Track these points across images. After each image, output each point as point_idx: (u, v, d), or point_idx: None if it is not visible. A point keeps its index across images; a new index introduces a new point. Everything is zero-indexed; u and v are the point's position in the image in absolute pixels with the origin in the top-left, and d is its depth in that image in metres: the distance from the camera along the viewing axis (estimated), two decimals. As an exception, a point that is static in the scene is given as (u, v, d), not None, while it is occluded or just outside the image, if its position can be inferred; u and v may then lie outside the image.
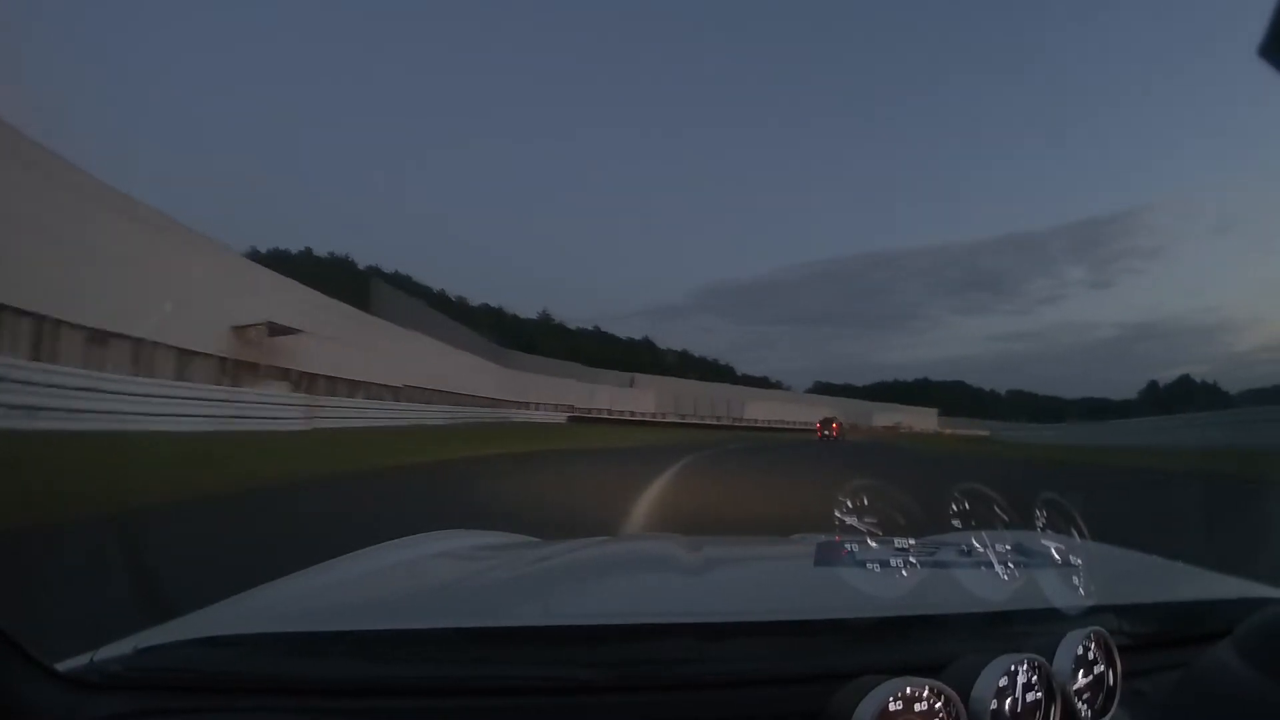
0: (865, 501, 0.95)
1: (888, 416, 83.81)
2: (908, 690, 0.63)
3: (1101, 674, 0.75)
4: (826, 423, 53.31)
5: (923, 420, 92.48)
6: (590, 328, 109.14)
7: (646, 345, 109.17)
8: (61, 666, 0.68)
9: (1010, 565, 0.88)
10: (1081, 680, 0.73)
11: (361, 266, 77.60)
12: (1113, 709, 0.74)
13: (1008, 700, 0.67)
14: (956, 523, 0.99)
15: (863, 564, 0.89)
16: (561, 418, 48.72)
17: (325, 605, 0.93)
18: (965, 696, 0.65)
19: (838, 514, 0.95)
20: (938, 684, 0.64)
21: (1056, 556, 0.92)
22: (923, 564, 0.89)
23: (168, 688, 0.69)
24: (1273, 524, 5.86)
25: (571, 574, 1.12)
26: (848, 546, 0.93)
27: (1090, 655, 0.74)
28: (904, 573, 0.87)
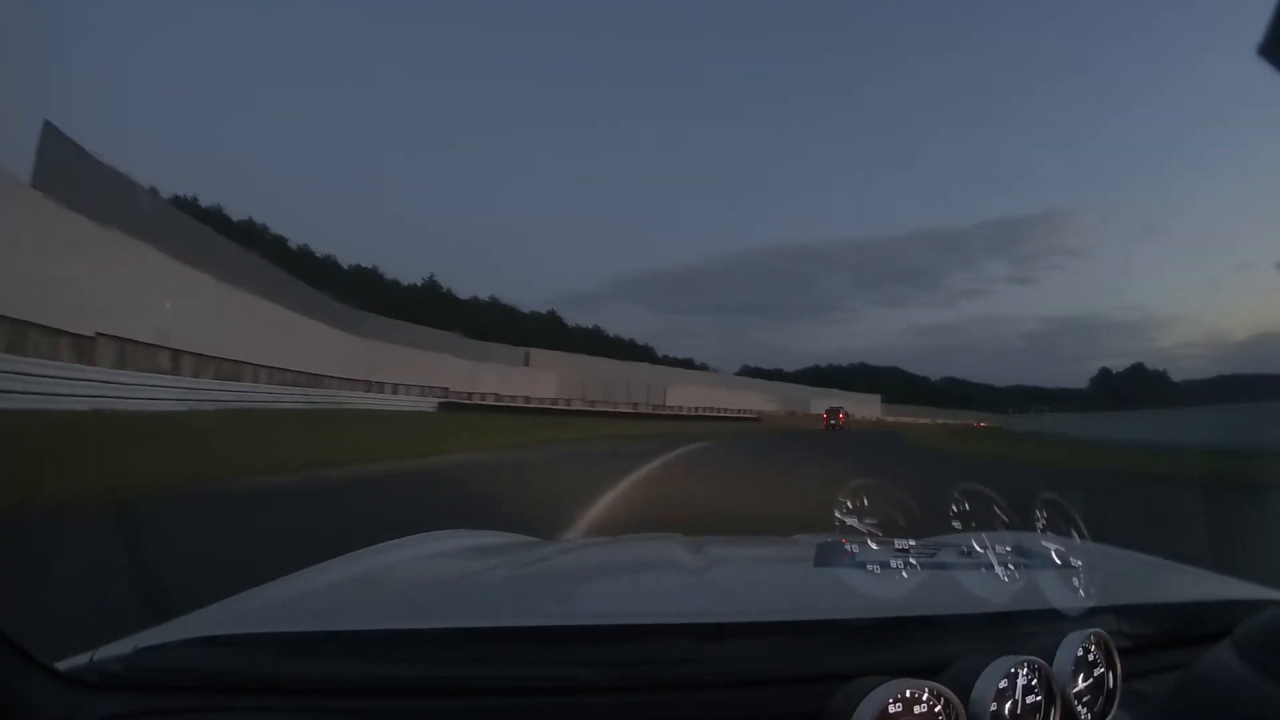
0: (865, 502, 0.95)
1: (827, 404, 72.06)
2: (907, 692, 0.63)
3: (1101, 675, 0.75)
4: (834, 412, 54.84)
5: (866, 407, 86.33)
6: (486, 298, 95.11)
7: (553, 320, 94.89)
8: (61, 666, 0.68)
9: (1010, 566, 0.88)
10: (1081, 682, 0.73)
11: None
12: (1113, 710, 0.74)
13: (1008, 702, 0.67)
14: (956, 524, 0.99)
15: (863, 565, 0.89)
16: (430, 403, 36.41)
17: (325, 605, 0.93)
18: (965, 698, 0.65)
19: (838, 514, 0.95)
20: (937, 685, 0.64)
21: (1056, 558, 0.92)
22: (923, 565, 0.89)
23: (167, 687, 0.69)
24: None
25: (571, 574, 1.12)
26: (848, 547, 0.93)
27: (1090, 657, 0.74)
28: (904, 574, 0.87)
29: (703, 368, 77.41)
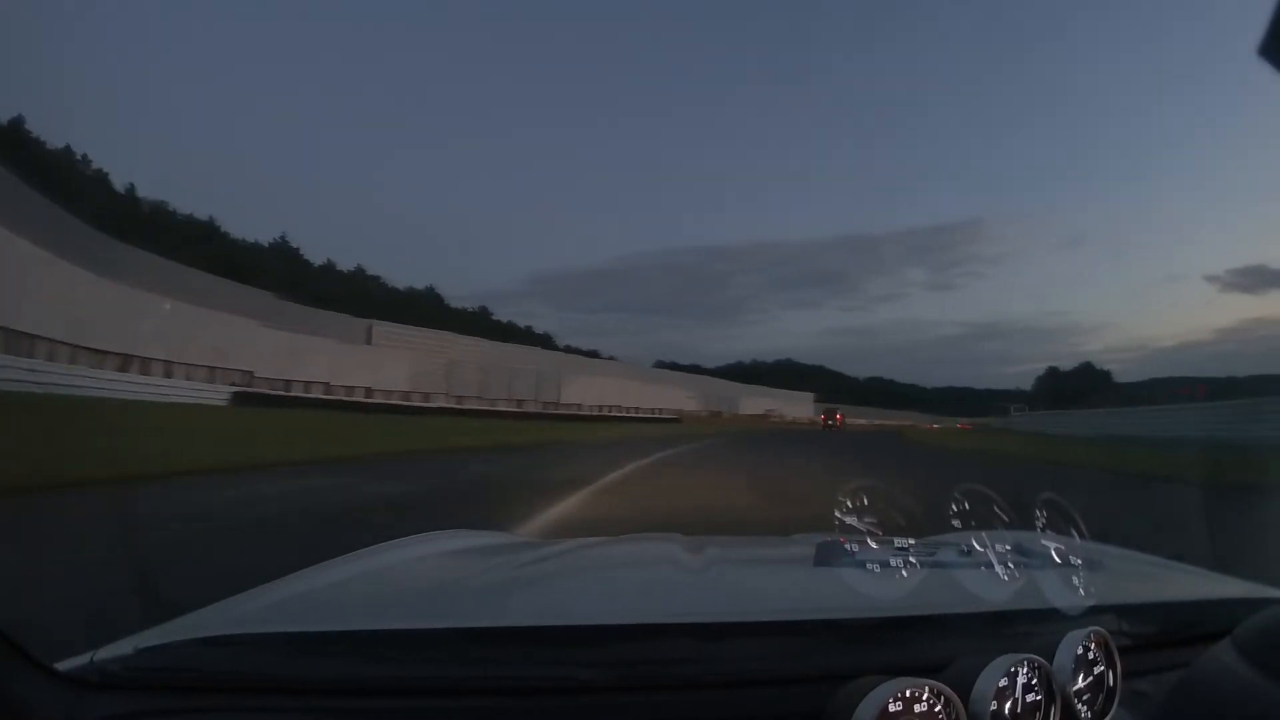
0: (865, 502, 0.95)
1: (756, 402, 67.30)
2: (908, 691, 0.63)
3: (1102, 674, 0.75)
4: (830, 413, 53.97)
5: (797, 406, 78.52)
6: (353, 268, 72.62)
7: (430, 296, 73.15)
8: (61, 666, 0.68)
9: (1010, 566, 0.88)
10: (1082, 681, 0.73)
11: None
12: (1113, 709, 0.74)
13: (1008, 701, 0.67)
14: (956, 523, 0.99)
15: (863, 564, 0.89)
16: (220, 394, 25.16)
17: (325, 605, 0.93)
18: (965, 697, 0.65)
19: (838, 514, 0.95)
20: (938, 684, 0.64)
21: (1056, 557, 0.92)
22: (923, 564, 0.89)
23: (167, 688, 0.69)
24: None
25: (571, 574, 1.12)
26: (848, 547, 0.93)
27: (1090, 655, 0.74)
28: (904, 573, 0.87)
29: (611, 360, 60.44)
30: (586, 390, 48.48)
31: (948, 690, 0.64)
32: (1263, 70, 0.62)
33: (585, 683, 0.71)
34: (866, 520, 0.93)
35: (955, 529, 1.01)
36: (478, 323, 66.47)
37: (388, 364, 37.45)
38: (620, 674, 0.73)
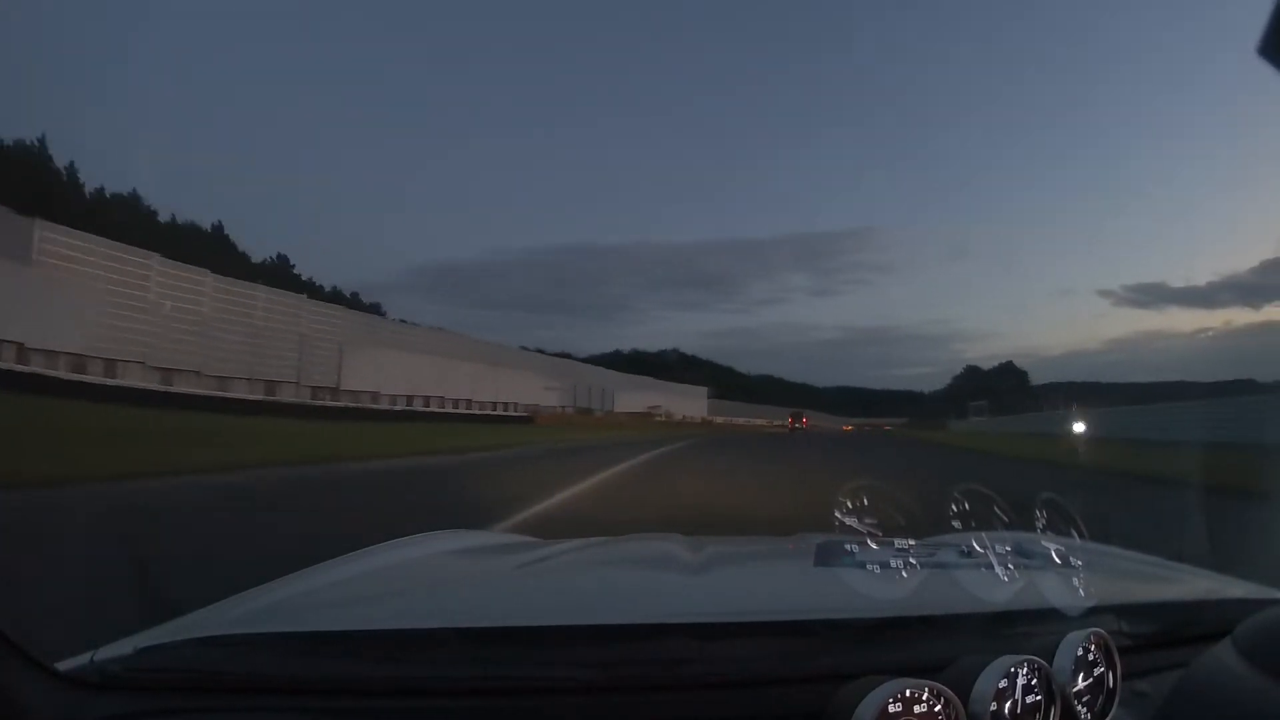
0: (865, 502, 0.95)
1: (638, 397, 51.94)
2: (907, 691, 0.63)
3: (1101, 675, 0.75)
4: (797, 416, 51.67)
5: (689, 402, 63.97)
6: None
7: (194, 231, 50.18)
8: (61, 666, 0.68)
9: (1010, 566, 0.88)
10: (1081, 682, 0.73)
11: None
12: (1113, 710, 0.74)
13: (1008, 702, 0.67)
14: (956, 524, 0.99)
15: (863, 564, 0.89)
16: None
17: (325, 605, 0.93)
18: (965, 698, 0.65)
19: (838, 514, 0.95)
20: (937, 685, 0.64)
21: (1056, 558, 0.92)
22: (923, 565, 0.89)
23: (167, 688, 0.69)
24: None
25: (571, 574, 1.12)
26: (848, 547, 0.93)
27: (1090, 656, 0.74)
28: (904, 573, 0.87)
29: (438, 330, 39.12)
30: (388, 371, 28.64)
31: (947, 691, 0.64)
32: (1263, 70, 0.62)
33: (585, 683, 0.71)
34: (866, 521, 0.94)
35: (955, 530, 1.01)
36: (275, 274, 42.10)
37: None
38: (620, 674, 0.73)
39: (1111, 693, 0.74)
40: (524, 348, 47.42)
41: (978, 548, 0.93)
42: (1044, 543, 0.96)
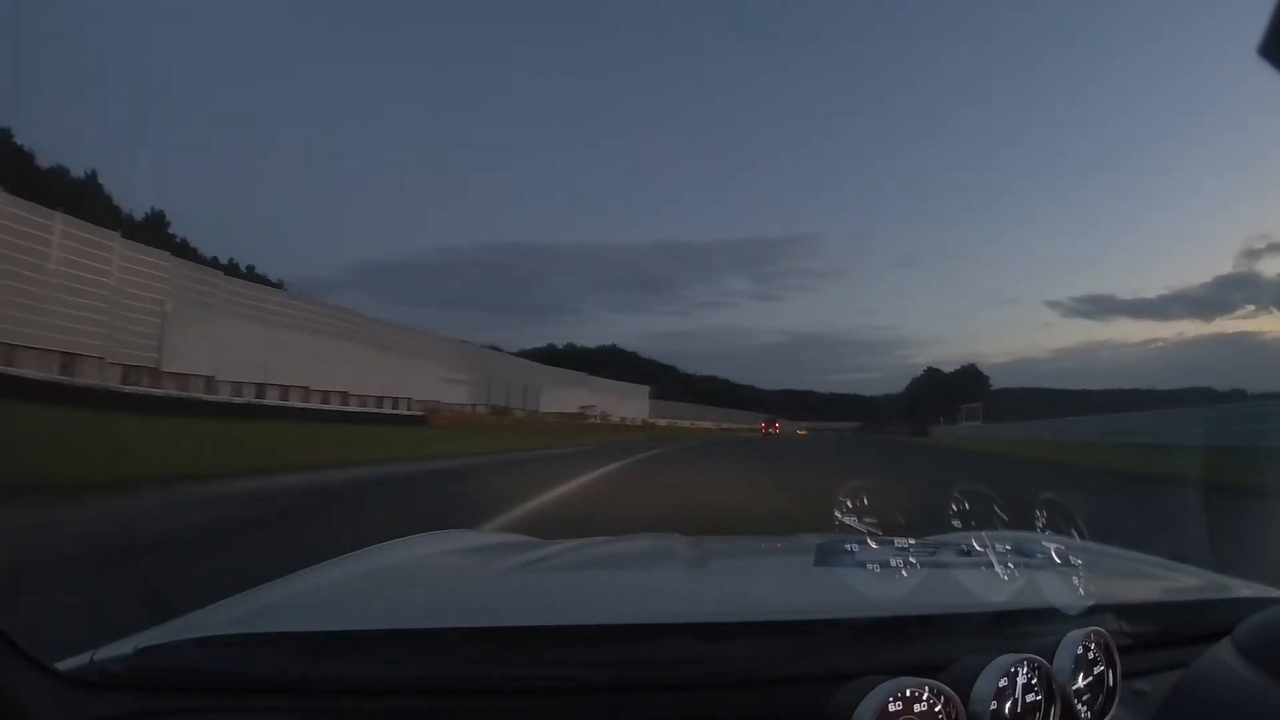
0: (865, 502, 0.95)
1: (571, 395, 44.27)
2: (907, 691, 0.63)
3: (1101, 674, 0.75)
4: (770, 422, 50.00)
5: (629, 403, 55.20)
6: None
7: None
8: (61, 666, 0.68)
9: (1010, 565, 0.88)
10: (1081, 681, 0.73)
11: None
12: (1113, 709, 0.74)
13: (1008, 701, 0.67)
14: (956, 523, 0.99)
15: (863, 564, 0.89)
16: None
17: (325, 605, 0.93)
18: (965, 697, 0.65)
19: (838, 514, 0.95)
20: (937, 684, 0.64)
21: (1056, 557, 0.92)
22: (923, 564, 0.89)
23: (167, 688, 0.69)
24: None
25: (571, 574, 1.12)
26: (848, 547, 0.93)
27: (1090, 655, 0.74)
28: (904, 573, 0.87)
29: (278, 285, 31.12)
30: (234, 351, 20.46)
31: (947, 690, 0.64)
32: (1263, 70, 0.62)
33: (585, 683, 0.71)
34: (866, 520, 0.94)
35: (955, 529, 1.01)
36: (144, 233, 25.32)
37: None
38: (620, 674, 0.73)
39: (1111, 692, 0.74)
40: (432, 333, 35.27)
41: (978, 547, 0.93)
42: (1044, 542, 0.96)
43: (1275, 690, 0.65)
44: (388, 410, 27.42)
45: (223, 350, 20.19)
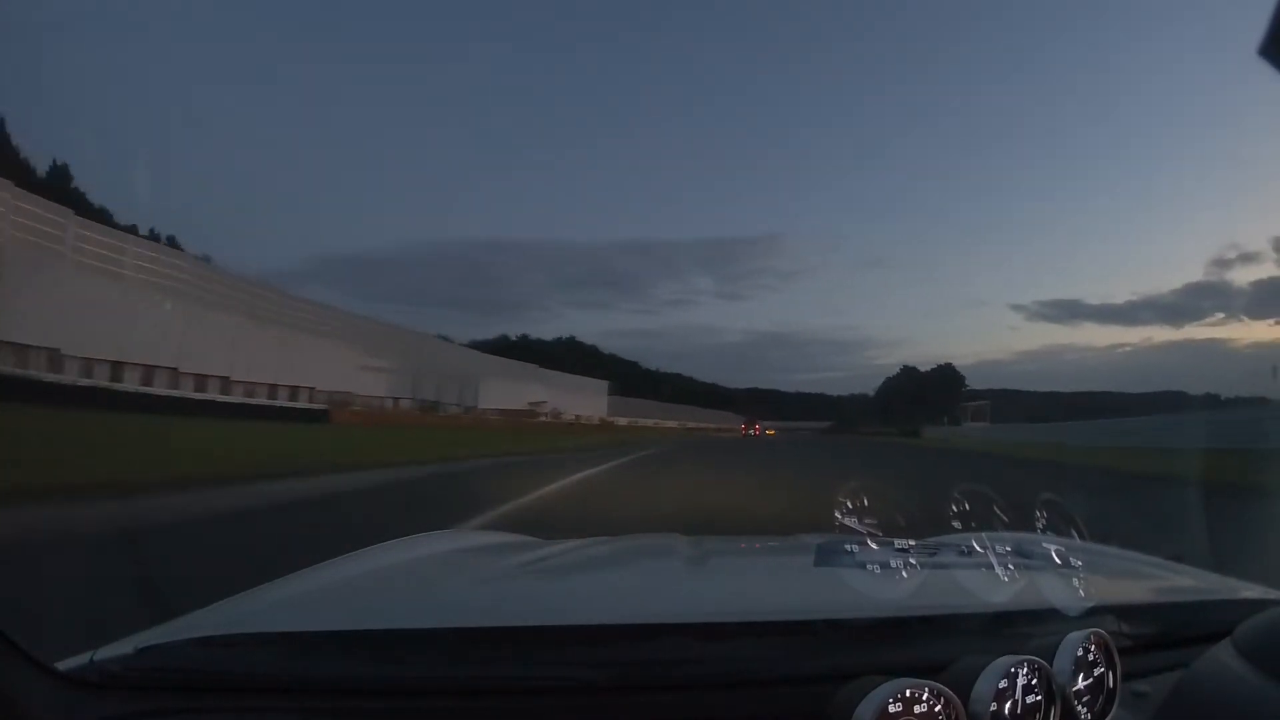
0: (865, 502, 0.95)
1: (519, 389, 39.18)
2: (907, 691, 0.63)
3: (1101, 675, 0.75)
4: (750, 424, 48.89)
5: (586, 399, 50.64)
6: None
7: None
8: (61, 666, 0.68)
9: (1010, 566, 0.88)
10: (1081, 682, 0.73)
11: None
12: (1113, 710, 0.74)
13: (1008, 702, 0.67)
14: (956, 524, 0.99)
15: (863, 564, 0.89)
16: None
17: (325, 605, 0.93)
18: (965, 698, 0.65)
19: (838, 515, 0.95)
20: (937, 685, 0.64)
21: (1056, 558, 0.92)
22: (923, 565, 0.89)
23: (167, 688, 0.69)
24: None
25: (571, 574, 1.12)
26: (848, 547, 0.93)
27: (1090, 656, 0.74)
28: (904, 573, 0.87)
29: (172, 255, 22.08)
30: (76, 322, 15.45)
31: (947, 691, 0.64)
32: (1263, 70, 0.62)
33: (585, 683, 0.71)
34: (867, 521, 0.94)
35: (955, 530, 1.01)
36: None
37: None
38: (620, 674, 0.73)
39: (1111, 693, 0.74)
40: (346, 311, 27.99)
41: (978, 548, 0.93)
42: (1044, 543, 0.96)
43: (1275, 691, 0.65)
44: (280, 402, 21.59)
45: (62, 321, 14.77)
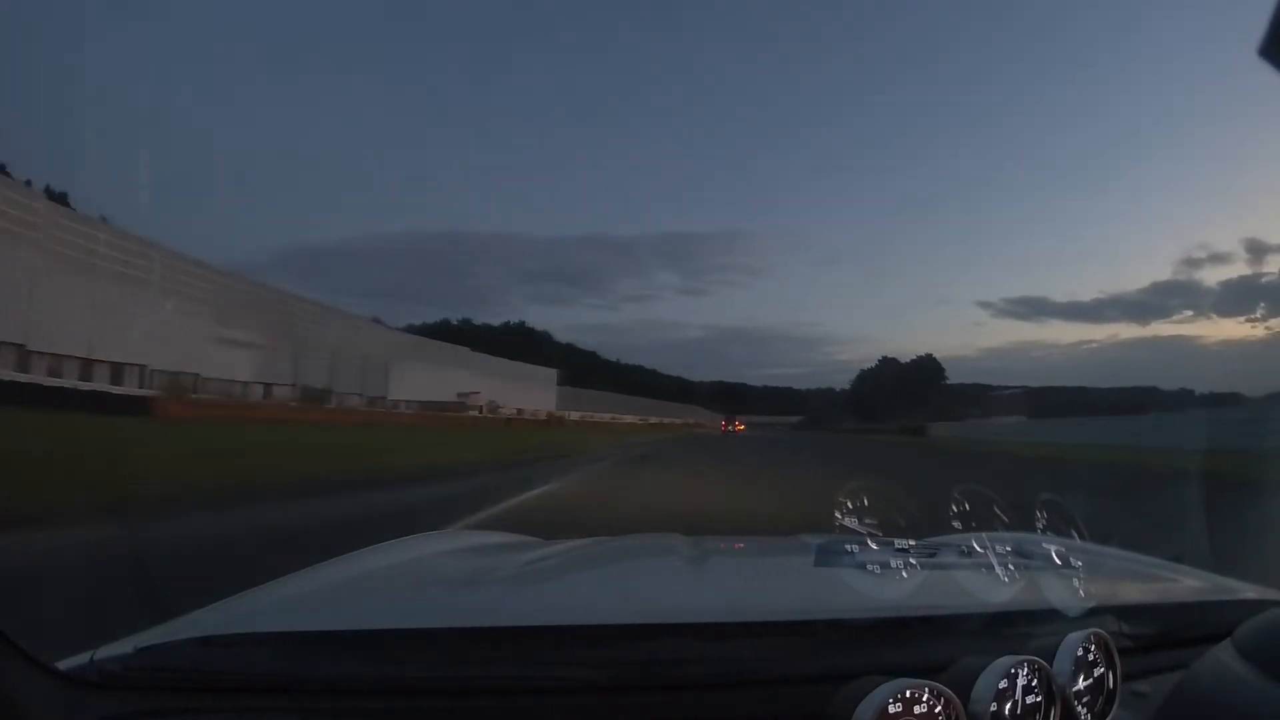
0: (866, 502, 0.95)
1: (447, 378, 33.07)
2: (907, 692, 0.63)
3: (1102, 676, 0.75)
4: (730, 420, 49.23)
5: (531, 391, 43.50)
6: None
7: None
8: (61, 665, 0.69)
9: (1010, 567, 0.88)
10: (1081, 682, 0.73)
11: None
12: (1113, 710, 0.74)
13: (1008, 702, 0.67)
14: (956, 524, 0.99)
15: (863, 564, 0.89)
16: None
17: (325, 605, 0.93)
18: (965, 698, 0.65)
19: (838, 515, 0.95)
20: (937, 685, 0.64)
21: (1056, 558, 0.93)
22: (923, 565, 0.89)
23: (167, 687, 0.69)
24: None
25: (571, 574, 1.12)
26: (848, 547, 0.93)
27: (1090, 657, 0.74)
28: (904, 573, 0.87)
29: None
30: None
31: (947, 691, 0.64)
32: (1263, 70, 0.62)
33: (585, 683, 0.71)
34: (867, 521, 0.94)
35: (955, 530, 1.01)
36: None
37: None
38: (620, 674, 0.73)
39: (1111, 693, 0.74)
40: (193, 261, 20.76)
41: (978, 548, 0.93)
42: (1044, 543, 0.96)
43: (1275, 692, 0.65)
44: (82, 385, 15.38)
45: None
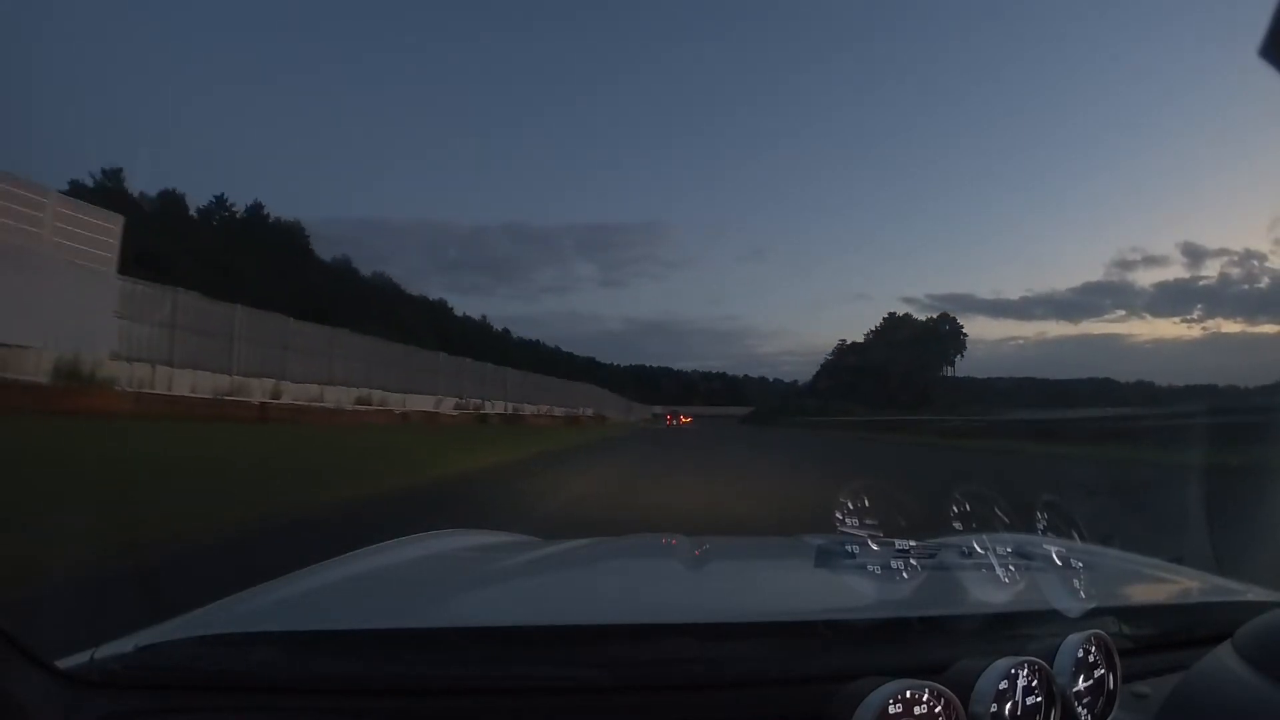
0: (866, 503, 0.95)
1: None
2: (908, 692, 0.63)
3: (1102, 677, 0.75)
4: (675, 415, 51.37)
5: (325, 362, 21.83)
6: None
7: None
8: (62, 664, 0.68)
9: (1011, 568, 0.88)
10: (1082, 683, 0.73)
11: None
12: (1113, 712, 0.74)
13: (1008, 703, 0.67)
14: (957, 525, 0.99)
15: (863, 565, 0.89)
16: None
17: (325, 604, 0.93)
18: (965, 699, 0.65)
19: (838, 515, 0.95)
20: (937, 686, 0.64)
21: (1057, 559, 0.93)
22: (923, 566, 0.89)
23: (168, 686, 0.69)
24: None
25: (571, 574, 1.12)
26: (848, 548, 0.93)
27: (1091, 658, 0.74)
28: (904, 574, 0.87)
29: None
30: None
31: (948, 692, 0.64)
32: (1263, 70, 0.62)
33: (585, 683, 0.71)
34: (867, 522, 0.94)
35: (956, 531, 1.01)
36: None
37: None
38: (620, 674, 0.73)
39: (1112, 695, 0.74)
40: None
41: (978, 549, 0.93)
42: (1045, 544, 0.96)
43: (1276, 694, 0.65)
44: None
45: None
